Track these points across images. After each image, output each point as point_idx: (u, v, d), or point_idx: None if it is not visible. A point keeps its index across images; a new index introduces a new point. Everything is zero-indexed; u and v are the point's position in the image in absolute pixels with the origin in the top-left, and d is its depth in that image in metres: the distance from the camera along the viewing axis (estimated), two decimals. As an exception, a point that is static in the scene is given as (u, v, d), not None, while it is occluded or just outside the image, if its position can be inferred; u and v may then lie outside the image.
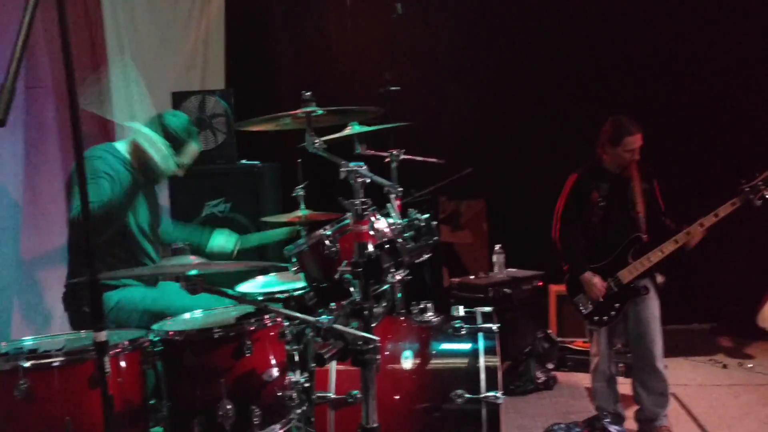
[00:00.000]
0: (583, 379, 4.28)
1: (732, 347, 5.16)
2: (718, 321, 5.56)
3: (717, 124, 5.33)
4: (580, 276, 3.59)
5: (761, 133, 5.24)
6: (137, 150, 3.01)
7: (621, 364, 4.21)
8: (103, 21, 4.78)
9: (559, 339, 4.79)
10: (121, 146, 3.07)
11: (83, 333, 2.47)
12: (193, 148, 3.10)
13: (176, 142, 3.03)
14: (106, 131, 4.64)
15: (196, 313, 2.68)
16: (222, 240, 3.36)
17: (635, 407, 3.64)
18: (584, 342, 4.51)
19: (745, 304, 5.33)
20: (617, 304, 3.56)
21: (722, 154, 5.18)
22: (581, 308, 3.65)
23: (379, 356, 1.93)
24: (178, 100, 4.37)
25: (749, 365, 4.71)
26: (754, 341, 5.21)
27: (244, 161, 4.46)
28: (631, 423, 3.66)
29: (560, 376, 4.61)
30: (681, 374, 4.57)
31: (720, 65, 5.30)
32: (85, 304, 2.86)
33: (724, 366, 4.74)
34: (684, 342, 5.14)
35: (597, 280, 3.55)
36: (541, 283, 4.94)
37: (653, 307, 3.55)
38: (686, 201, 3.64)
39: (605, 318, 3.59)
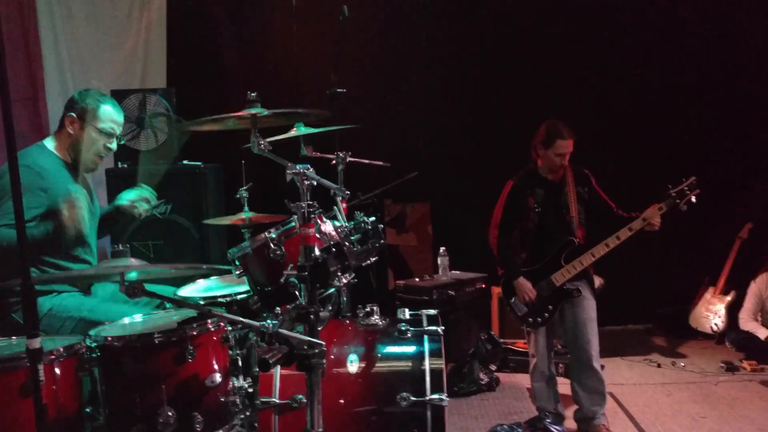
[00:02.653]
0: (525, 380, 4.34)
1: (666, 347, 5.35)
2: (653, 322, 5.78)
3: (646, 132, 5.53)
4: (514, 281, 3.67)
5: (688, 140, 5.46)
6: (65, 140, 2.95)
7: (560, 365, 4.30)
8: (37, 15, 4.62)
9: (501, 340, 4.87)
10: (50, 143, 2.99)
11: (14, 339, 2.36)
12: (107, 112, 2.99)
13: (87, 112, 2.94)
14: (40, 128, 4.49)
15: (135, 318, 2.60)
16: (131, 195, 3.16)
17: (575, 407, 3.73)
18: (525, 343, 4.58)
19: (678, 305, 5.56)
20: (550, 306, 3.65)
21: (651, 159, 5.38)
22: (516, 310, 3.72)
23: (324, 361, 1.92)
24: (118, 98, 4.20)
25: (682, 364, 4.88)
26: (687, 341, 5.43)
27: (186, 162, 4.37)
28: (570, 422, 3.74)
29: (503, 377, 4.68)
30: (617, 373, 4.70)
31: (654, 72, 5.51)
32: (13, 311, 2.74)
33: (658, 365, 4.90)
34: (620, 342, 5.32)
35: (529, 286, 3.64)
36: (484, 285, 5.01)
37: (589, 308, 3.64)
38: (617, 203, 3.76)
39: (539, 319, 3.67)
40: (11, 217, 2.62)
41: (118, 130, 3.05)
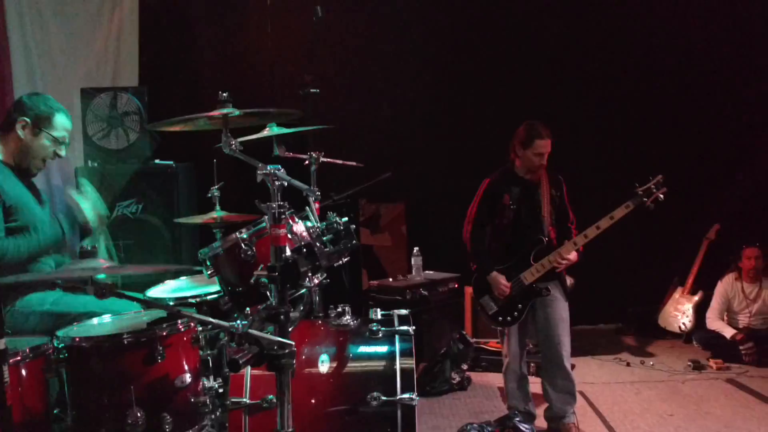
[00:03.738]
0: (496, 379, 4.39)
1: (635, 346, 5.43)
2: (623, 321, 5.86)
3: (617, 131, 5.62)
4: (488, 275, 3.70)
5: (657, 142, 5.56)
6: (12, 144, 2.89)
7: (532, 364, 4.35)
8: (4, 10, 4.54)
9: (473, 340, 4.90)
10: None
11: (-20, 341, 2.32)
12: (61, 120, 2.95)
13: (42, 119, 2.89)
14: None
15: (104, 318, 2.57)
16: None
17: (545, 405, 3.77)
18: (498, 342, 4.62)
19: (647, 305, 5.65)
20: (520, 305, 3.68)
21: (621, 158, 5.46)
22: (487, 309, 3.75)
23: (294, 361, 1.92)
24: (88, 96, 4.20)
25: (650, 363, 4.96)
26: (655, 340, 5.53)
27: (157, 161, 4.33)
28: (541, 420, 3.78)
29: (474, 376, 4.71)
30: (587, 372, 4.76)
31: (624, 74, 5.60)
32: None
33: (628, 364, 4.97)
34: (590, 341, 5.40)
35: (503, 280, 3.67)
36: (456, 285, 5.03)
37: (561, 308, 3.68)
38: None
39: (509, 318, 3.70)
40: None
41: (68, 138, 3.02)
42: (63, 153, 3.01)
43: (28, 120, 2.87)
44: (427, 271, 5.08)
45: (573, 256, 3.62)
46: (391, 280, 4.99)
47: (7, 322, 2.65)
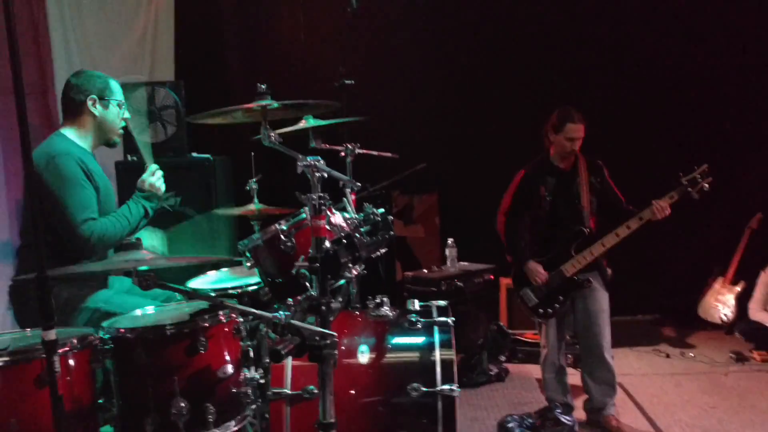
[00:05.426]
0: (534, 371, 4.36)
1: (674, 337, 5.34)
2: (662, 312, 5.75)
3: (660, 120, 5.50)
4: (524, 265, 3.66)
5: (697, 130, 5.43)
6: (88, 126, 2.94)
7: (570, 356, 4.31)
8: (46, 7, 4.63)
9: (510, 331, 4.87)
10: (71, 133, 2.94)
11: (29, 332, 2.38)
12: (115, 84, 3.02)
13: (103, 89, 2.95)
14: (50, 121, 4.50)
15: (148, 310, 2.62)
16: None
17: (584, 397, 3.73)
18: (534, 334, 4.59)
19: (686, 296, 5.55)
20: (561, 297, 3.64)
21: (664, 148, 5.35)
22: (527, 301, 3.72)
23: (336, 351, 1.93)
24: (126, 91, 4.22)
25: (690, 354, 4.88)
26: (695, 331, 5.42)
27: (195, 154, 4.38)
28: (580, 412, 3.74)
29: (512, 367, 4.69)
30: (626, 364, 4.70)
31: (663, 60, 5.47)
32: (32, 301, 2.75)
33: (667, 356, 4.90)
34: (629, 333, 5.29)
35: (540, 269, 3.63)
36: (492, 277, 5.00)
37: (601, 299, 3.64)
38: (628, 193, 3.75)
39: (550, 310, 3.67)
40: (94, 210, 2.75)
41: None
42: (128, 115, 3.09)
43: (95, 97, 2.93)
44: (461, 262, 5.06)
45: (668, 210, 3.49)
46: (425, 271, 4.97)
47: (58, 314, 2.70)
